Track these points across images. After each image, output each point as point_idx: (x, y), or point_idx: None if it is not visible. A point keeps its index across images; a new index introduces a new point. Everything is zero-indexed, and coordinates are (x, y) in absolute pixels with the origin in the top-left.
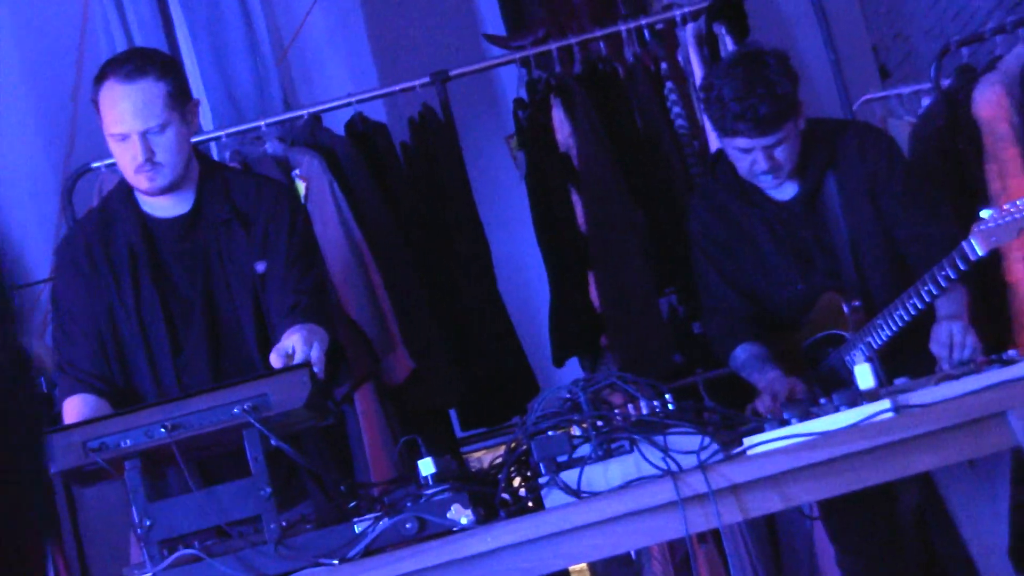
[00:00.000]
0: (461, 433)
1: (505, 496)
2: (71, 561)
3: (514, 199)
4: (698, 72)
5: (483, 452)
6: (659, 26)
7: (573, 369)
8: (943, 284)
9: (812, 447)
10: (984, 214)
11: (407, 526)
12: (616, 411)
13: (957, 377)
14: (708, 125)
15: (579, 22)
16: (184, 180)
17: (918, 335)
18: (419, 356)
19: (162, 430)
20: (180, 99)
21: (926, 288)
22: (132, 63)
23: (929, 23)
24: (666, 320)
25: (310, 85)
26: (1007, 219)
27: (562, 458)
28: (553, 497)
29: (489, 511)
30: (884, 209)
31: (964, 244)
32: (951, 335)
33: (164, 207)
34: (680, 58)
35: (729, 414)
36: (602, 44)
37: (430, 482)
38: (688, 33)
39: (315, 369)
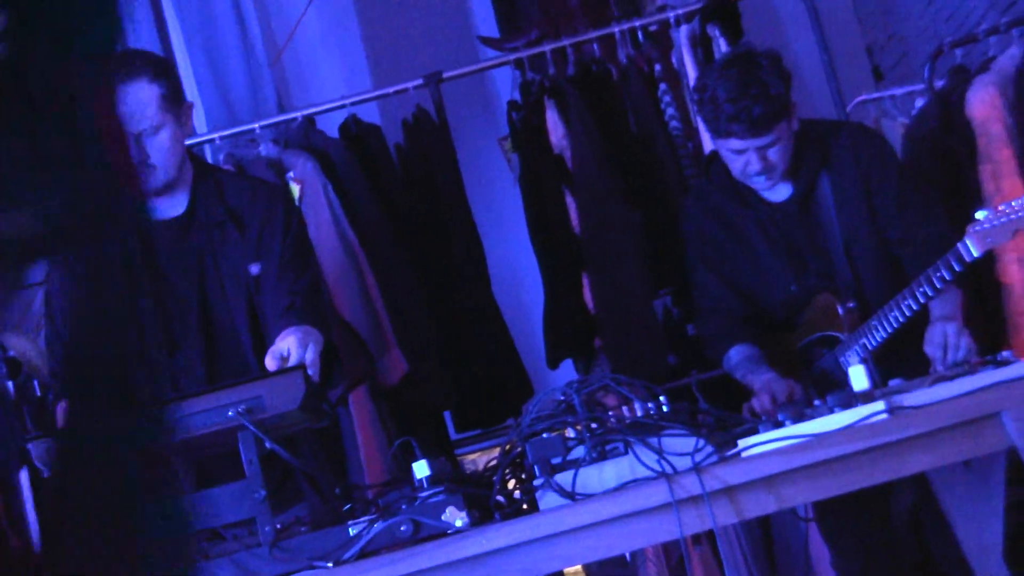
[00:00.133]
0: (455, 435)
1: (500, 498)
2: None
3: (508, 201)
4: (692, 73)
5: (478, 454)
6: (653, 27)
7: (567, 371)
8: (938, 285)
9: (806, 448)
10: (979, 215)
11: (402, 528)
12: (610, 413)
13: (951, 378)
14: (702, 126)
15: (573, 24)
16: (178, 182)
17: (912, 336)
18: (413, 358)
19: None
20: (174, 101)
21: (921, 289)
22: (126, 65)
23: (923, 24)
24: (660, 322)
25: (304, 87)
26: (1002, 220)
27: (556, 460)
28: (548, 499)
29: (484, 513)
30: (878, 210)
31: (959, 245)
32: (945, 336)
33: (158, 209)
34: (674, 59)
35: (723, 416)
36: (596, 46)
37: (425, 484)
38: (682, 34)
39: (310, 371)
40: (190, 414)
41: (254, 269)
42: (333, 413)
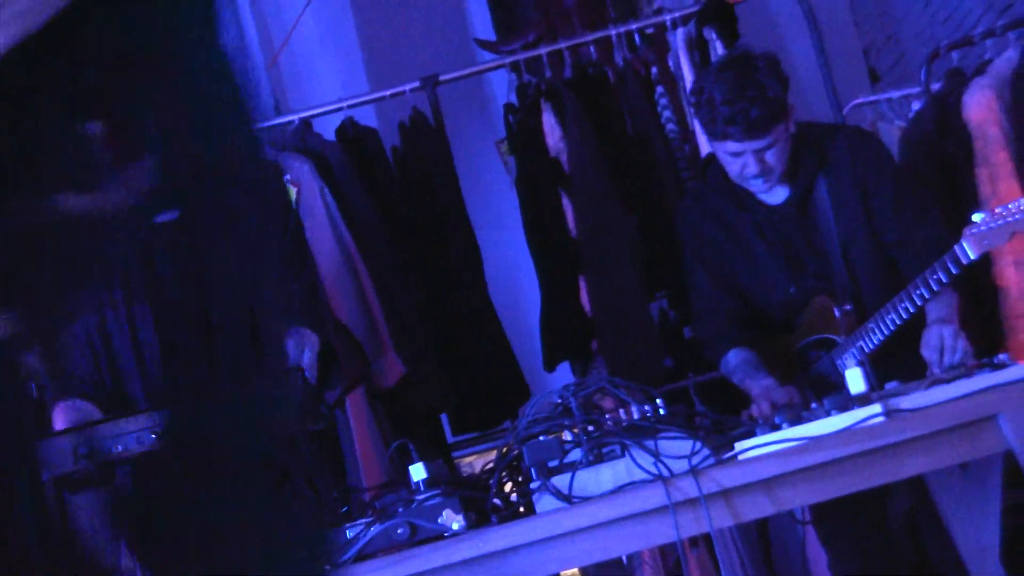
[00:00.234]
0: (452, 438)
1: (496, 501)
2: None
3: (505, 203)
4: (688, 76)
5: (474, 457)
6: (649, 30)
7: (564, 374)
8: (935, 288)
9: (803, 451)
10: (976, 218)
11: (398, 531)
12: (607, 416)
13: (948, 381)
14: (699, 129)
15: (570, 26)
16: None
17: (909, 339)
18: (410, 360)
19: (152, 435)
20: None
21: (918, 292)
22: None
23: (919, 27)
24: (657, 324)
25: (300, 90)
26: (999, 222)
27: (553, 463)
28: (544, 502)
29: (480, 516)
30: (874, 212)
31: (956, 248)
32: (942, 339)
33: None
34: (671, 62)
35: (720, 418)
36: (592, 48)
37: (421, 487)
38: (678, 37)
39: (306, 374)
40: None
41: None
42: (330, 415)
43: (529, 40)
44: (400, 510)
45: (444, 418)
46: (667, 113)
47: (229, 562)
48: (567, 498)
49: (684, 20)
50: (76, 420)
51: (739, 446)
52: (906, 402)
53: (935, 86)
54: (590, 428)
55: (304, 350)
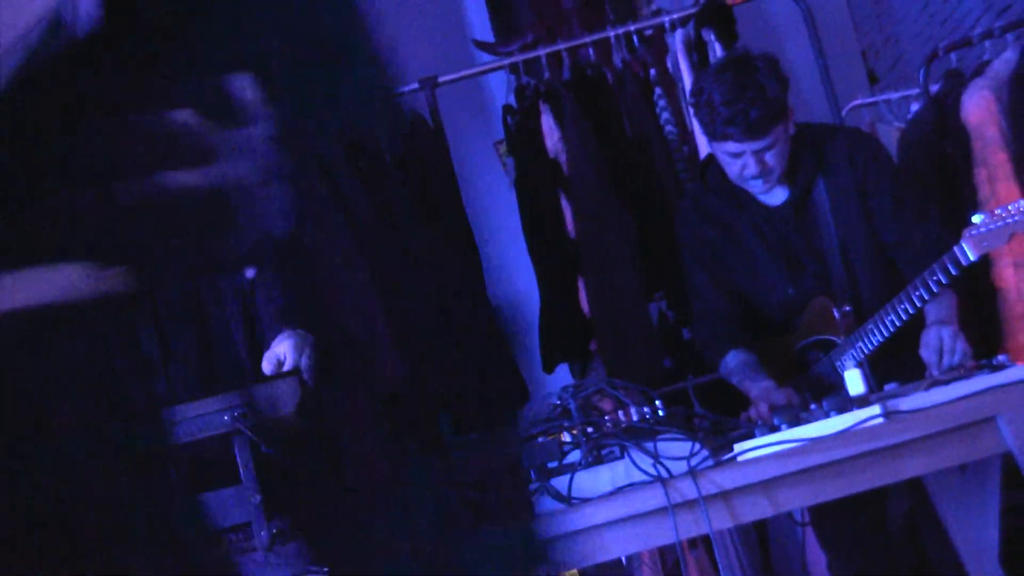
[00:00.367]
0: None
1: None
2: None
3: (503, 205)
4: (687, 78)
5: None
6: (648, 32)
7: (563, 375)
8: (934, 289)
9: (802, 453)
10: (975, 219)
11: None
12: (606, 417)
13: (947, 382)
14: (697, 130)
15: (568, 28)
16: None
17: (908, 340)
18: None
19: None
20: None
21: (917, 293)
22: None
23: (918, 28)
24: (656, 326)
25: None
26: (998, 224)
27: (552, 464)
28: (543, 503)
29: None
30: (873, 213)
31: (956, 249)
32: (941, 340)
33: None
34: (669, 64)
35: (719, 420)
36: (591, 50)
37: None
38: (677, 39)
39: (305, 376)
40: (185, 419)
41: (249, 272)
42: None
43: (528, 41)
44: None
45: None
46: (666, 115)
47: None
48: (566, 499)
49: (683, 22)
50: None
51: (738, 447)
52: (905, 403)
53: (934, 87)
54: (589, 429)
55: (302, 352)
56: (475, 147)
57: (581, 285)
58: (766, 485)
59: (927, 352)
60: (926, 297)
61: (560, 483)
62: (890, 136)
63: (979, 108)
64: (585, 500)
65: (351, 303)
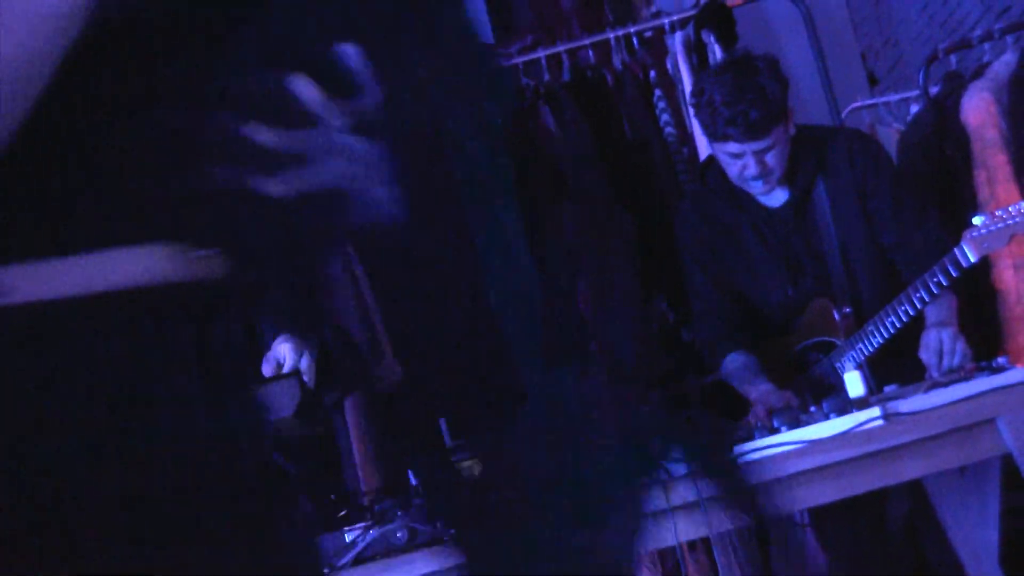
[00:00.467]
0: (451, 442)
1: None
2: None
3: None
4: (687, 79)
5: (473, 461)
6: (648, 34)
7: None
8: (934, 290)
9: (802, 455)
10: (976, 220)
11: (397, 535)
12: None
13: (947, 384)
14: (697, 132)
15: (568, 30)
16: None
17: (908, 342)
18: (408, 364)
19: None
20: None
21: (918, 295)
22: None
23: (917, 30)
24: (655, 327)
25: None
26: (998, 225)
27: None
28: None
29: None
30: (873, 214)
31: (956, 250)
32: (941, 342)
33: None
34: (669, 65)
35: (719, 422)
36: (591, 51)
37: (420, 491)
38: (677, 40)
39: (304, 378)
40: None
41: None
42: (328, 419)
43: (527, 43)
44: (399, 514)
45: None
46: (665, 116)
47: None
48: None
49: (682, 23)
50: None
51: (738, 450)
52: (905, 405)
53: (933, 89)
54: None
55: (302, 354)
56: None
57: (580, 287)
58: (766, 487)
59: (927, 354)
60: (926, 299)
61: None
62: (890, 138)
63: (979, 110)
64: None
65: (349, 305)
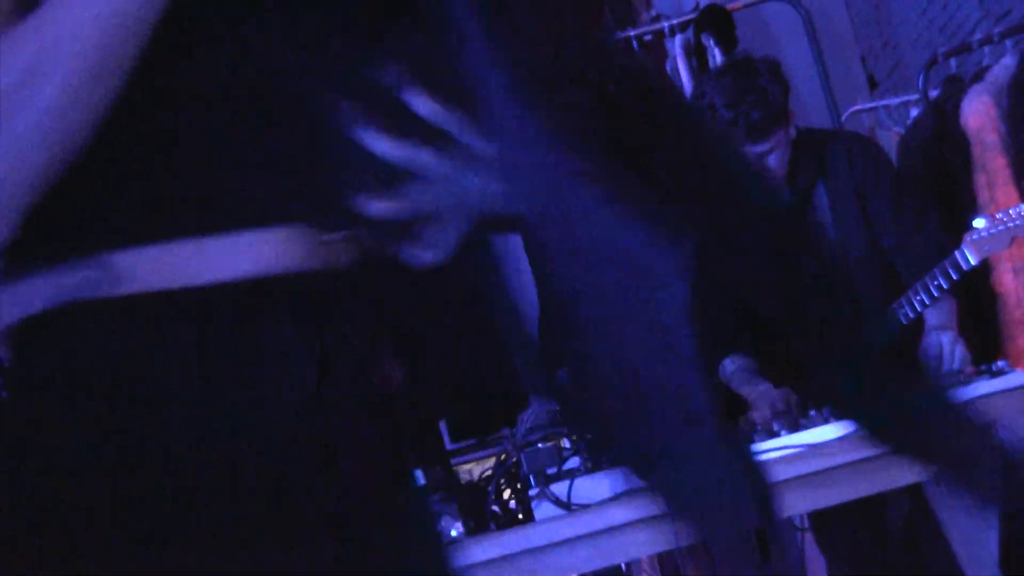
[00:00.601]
0: (451, 444)
1: (495, 508)
2: None
3: None
4: (686, 83)
5: (473, 464)
6: (647, 37)
7: None
8: (935, 293)
9: (802, 458)
10: (977, 223)
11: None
12: None
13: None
14: None
15: None
16: None
17: (907, 346)
18: (408, 366)
19: None
20: None
21: (918, 297)
22: None
23: (917, 33)
24: None
25: None
26: (999, 228)
27: (552, 470)
28: (543, 509)
29: (479, 522)
30: (872, 217)
31: (957, 253)
32: (940, 346)
33: None
34: (669, 69)
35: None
36: None
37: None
38: (676, 44)
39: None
40: None
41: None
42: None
43: None
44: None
45: (443, 424)
46: None
47: None
48: (566, 505)
49: (682, 27)
50: None
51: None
52: None
53: (933, 93)
54: (588, 435)
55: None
56: None
57: None
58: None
59: (926, 358)
60: (926, 301)
61: (560, 489)
62: (890, 141)
63: (978, 113)
64: (585, 506)
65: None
